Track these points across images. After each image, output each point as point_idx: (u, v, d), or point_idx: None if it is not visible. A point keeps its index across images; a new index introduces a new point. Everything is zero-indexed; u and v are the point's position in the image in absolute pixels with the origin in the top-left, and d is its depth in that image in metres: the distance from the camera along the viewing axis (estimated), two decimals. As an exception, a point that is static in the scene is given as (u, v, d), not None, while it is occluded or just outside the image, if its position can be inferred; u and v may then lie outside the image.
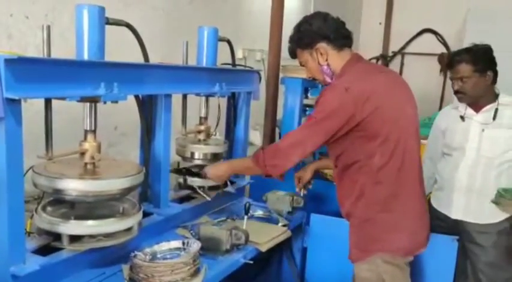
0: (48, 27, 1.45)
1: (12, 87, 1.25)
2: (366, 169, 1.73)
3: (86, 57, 1.54)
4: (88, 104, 1.59)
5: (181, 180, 2.20)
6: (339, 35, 1.80)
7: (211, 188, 2.22)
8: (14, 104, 1.27)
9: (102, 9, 1.57)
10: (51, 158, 1.50)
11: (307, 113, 3.25)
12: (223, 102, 2.51)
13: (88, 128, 1.61)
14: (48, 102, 1.48)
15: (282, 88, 3.47)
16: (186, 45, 2.03)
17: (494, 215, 2.27)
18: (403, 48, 7.27)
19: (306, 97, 3.20)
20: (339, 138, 1.72)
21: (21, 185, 1.34)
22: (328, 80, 1.85)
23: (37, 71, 1.33)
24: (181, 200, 2.16)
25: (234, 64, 2.43)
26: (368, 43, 7.20)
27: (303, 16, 1.87)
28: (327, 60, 1.80)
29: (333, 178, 2.00)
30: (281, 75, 3.32)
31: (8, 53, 1.29)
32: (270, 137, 3.91)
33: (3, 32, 2.24)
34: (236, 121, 2.54)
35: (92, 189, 1.53)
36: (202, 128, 2.26)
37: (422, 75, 6.69)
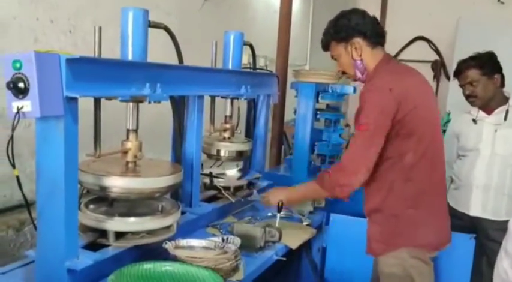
0: (100, 29, 1.49)
1: (71, 86, 1.28)
2: (398, 166, 1.79)
3: (130, 58, 1.59)
4: (131, 104, 1.63)
5: (206, 180, 2.24)
6: (375, 32, 1.86)
7: (235, 189, 2.27)
8: (72, 102, 1.31)
9: (146, 12, 1.62)
10: (100, 156, 1.53)
11: (318, 117, 3.32)
12: (243, 104, 2.57)
13: (131, 127, 1.65)
14: (97, 102, 1.52)
15: (290, 92, 3.54)
16: (215, 46, 2.09)
17: (512, 212, 2.37)
18: (397, 55, 7.38)
19: (317, 101, 3.27)
20: None
21: (76, 182, 1.38)
22: (358, 74, 1.92)
23: (92, 71, 1.37)
24: (209, 200, 2.20)
25: (254, 68, 2.49)
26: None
27: (340, 11, 1.93)
28: (360, 55, 1.87)
29: None
30: (292, 79, 3.39)
31: (64, 53, 1.32)
32: (277, 139, 3.97)
33: (30, 35, 2.27)
34: (255, 122, 2.59)
35: (136, 186, 1.57)
36: (228, 126, 2.32)
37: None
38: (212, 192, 2.25)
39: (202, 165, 2.34)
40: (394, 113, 1.72)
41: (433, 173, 1.83)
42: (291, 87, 3.32)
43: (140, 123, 1.66)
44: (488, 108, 2.46)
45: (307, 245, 2.46)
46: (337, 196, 1.86)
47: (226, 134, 2.33)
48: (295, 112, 3.27)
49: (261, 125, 2.59)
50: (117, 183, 1.54)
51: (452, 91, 6.50)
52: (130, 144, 1.65)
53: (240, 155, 2.31)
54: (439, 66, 7.17)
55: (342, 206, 2.79)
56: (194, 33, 3.35)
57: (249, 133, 2.59)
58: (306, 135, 3.16)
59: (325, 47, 1.97)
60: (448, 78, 7.00)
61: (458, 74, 2.50)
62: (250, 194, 2.36)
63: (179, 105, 1.95)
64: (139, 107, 1.65)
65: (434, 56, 7.09)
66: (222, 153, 2.28)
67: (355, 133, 1.81)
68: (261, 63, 4.61)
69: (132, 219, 1.58)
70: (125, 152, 1.64)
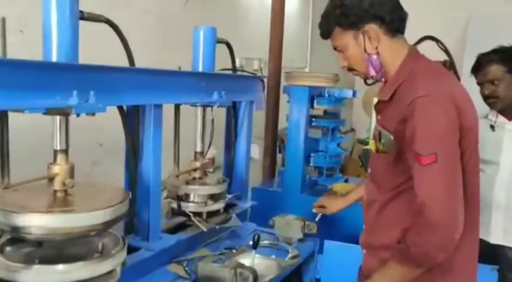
0: (3, 20, 1.13)
1: None
2: None
3: (54, 58, 1.24)
4: (58, 117, 1.28)
5: (174, 205, 1.88)
6: (396, 16, 1.41)
7: (209, 215, 1.90)
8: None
9: (74, 0, 1.26)
10: (8, 186, 1.18)
11: (313, 124, 2.96)
12: (219, 113, 2.20)
13: (58, 147, 1.30)
14: (3, 116, 1.17)
15: (283, 97, 3.19)
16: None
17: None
18: None
19: (312, 107, 2.90)
20: (404, 158, 1.34)
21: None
22: (372, 72, 1.47)
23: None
24: (175, 229, 1.84)
25: (234, 69, 2.13)
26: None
27: None
28: (376, 47, 1.42)
29: (364, 202, 1.64)
30: (284, 83, 3.04)
31: None
32: (271, 149, 3.61)
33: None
34: (237, 135, 2.23)
35: (61, 225, 1.20)
36: (198, 164, 1.96)
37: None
38: (181, 219, 1.89)
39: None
40: (458, 128, 1.27)
41: (470, 202, 1.37)
42: (283, 91, 2.97)
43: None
44: (509, 113, 2.08)
45: (297, 278, 2.09)
46: (439, 262, 1.28)
47: (197, 174, 1.97)
48: (288, 119, 2.92)
49: (243, 136, 2.22)
50: (34, 222, 1.18)
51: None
52: (58, 169, 1.29)
53: (211, 198, 1.92)
54: (448, 67, 6.81)
55: (337, 231, 2.43)
56: (176, 36, 2.99)
57: (229, 146, 2.23)
58: (299, 145, 2.81)
59: (326, 34, 1.49)
60: (459, 79, 6.65)
61: (477, 69, 2.10)
62: (228, 219, 1.99)
63: (131, 118, 1.59)
64: (68, 121, 1.30)
65: (443, 56, 6.72)
66: (191, 198, 1.90)
67: (420, 169, 1.26)
68: (254, 66, 4.25)
69: (58, 267, 1.21)
70: (51, 179, 1.29)
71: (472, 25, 5.69)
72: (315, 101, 2.89)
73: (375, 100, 1.55)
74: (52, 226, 1.20)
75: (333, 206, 2.08)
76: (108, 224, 1.30)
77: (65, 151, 1.31)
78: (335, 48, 1.54)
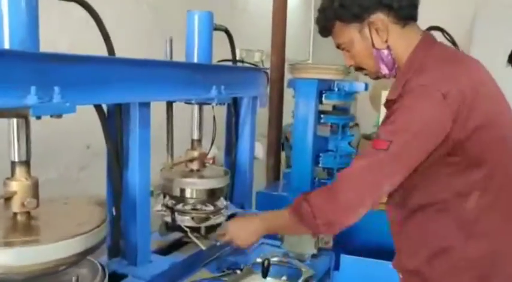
0: None
1: None
2: (454, 214, 1.14)
3: (6, 45, 0.97)
4: (15, 121, 1.01)
5: (168, 218, 1.61)
6: (405, 1, 1.19)
7: (209, 230, 1.63)
8: None
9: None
10: None
11: (322, 121, 2.69)
12: (220, 111, 1.94)
13: (16, 159, 1.03)
14: None
15: (288, 92, 2.92)
16: (170, 42, 1.48)
17: None
18: None
19: (321, 102, 2.63)
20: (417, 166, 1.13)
21: None
22: (385, 70, 1.25)
23: None
24: (169, 248, 1.57)
25: (234, 60, 1.86)
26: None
27: None
28: (386, 41, 1.20)
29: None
30: (289, 76, 2.76)
31: None
32: (275, 148, 3.34)
33: None
34: (238, 134, 1.96)
35: (20, 262, 0.94)
36: (195, 154, 1.67)
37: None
38: (176, 235, 1.62)
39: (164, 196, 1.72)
40: (445, 133, 1.07)
41: (510, 223, 1.16)
42: (287, 85, 2.70)
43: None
44: None
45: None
46: (321, 233, 1.34)
47: (194, 166, 1.68)
48: (294, 116, 2.65)
49: (246, 137, 1.95)
50: (-17, 257, 0.92)
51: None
52: (17, 186, 1.02)
53: (212, 194, 1.66)
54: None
55: (356, 243, 2.17)
56: (173, 27, 2.72)
57: (230, 148, 1.96)
58: (307, 144, 2.54)
59: (325, 30, 1.29)
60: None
61: None
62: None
63: (113, 118, 1.32)
64: (29, 125, 1.03)
65: (449, 48, 6.49)
66: (188, 194, 1.62)
67: (366, 148, 1.16)
68: (255, 58, 3.98)
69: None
70: (8, 199, 1.02)
71: (479, 16, 5.46)
72: (323, 96, 2.61)
73: (384, 95, 1.32)
74: (8, 264, 0.93)
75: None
76: (82, 255, 1.04)
77: (26, 163, 1.04)
78: (338, 46, 1.30)
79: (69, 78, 1.03)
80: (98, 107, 1.26)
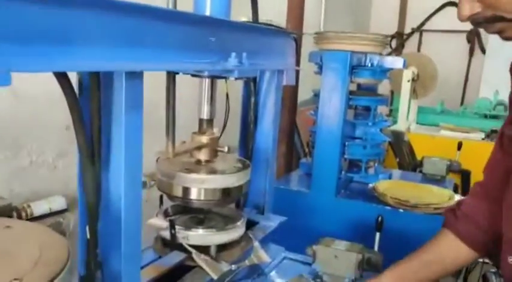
0: None
1: None
2: None
3: None
4: None
5: (166, 233, 1.18)
6: None
7: (221, 249, 1.21)
8: None
9: None
10: None
11: (351, 103, 2.25)
12: (235, 86, 1.49)
13: None
14: None
15: (310, 67, 2.46)
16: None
17: None
18: (422, 24, 6.45)
19: (350, 80, 2.19)
20: None
21: None
22: None
23: None
24: (167, 278, 1.14)
25: (256, 21, 1.41)
26: (381, 19, 6.50)
27: None
28: None
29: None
30: (313, 48, 2.31)
31: None
32: (287, 132, 2.91)
33: None
34: (257, 119, 1.53)
35: None
36: (204, 140, 1.22)
37: (443, 56, 5.85)
38: (177, 257, 1.19)
39: (161, 200, 1.29)
40: None
41: None
42: (309, 59, 2.25)
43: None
44: None
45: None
46: None
47: (203, 155, 1.25)
48: (316, 95, 2.22)
49: (268, 122, 1.52)
50: None
51: (488, 68, 5.54)
52: None
53: (227, 195, 1.22)
54: (475, 38, 6.09)
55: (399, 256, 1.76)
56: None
57: (246, 136, 1.53)
58: (334, 131, 2.11)
59: None
60: (484, 51, 5.99)
61: None
62: (249, 251, 1.31)
63: (86, 96, 0.88)
64: None
65: (468, 25, 6.02)
66: (194, 195, 1.18)
67: None
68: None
69: None
70: None
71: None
72: (353, 73, 2.17)
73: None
74: None
75: None
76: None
77: None
78: None
79: (7, 31, 0.59)
80: (62, 78, 0.81)
